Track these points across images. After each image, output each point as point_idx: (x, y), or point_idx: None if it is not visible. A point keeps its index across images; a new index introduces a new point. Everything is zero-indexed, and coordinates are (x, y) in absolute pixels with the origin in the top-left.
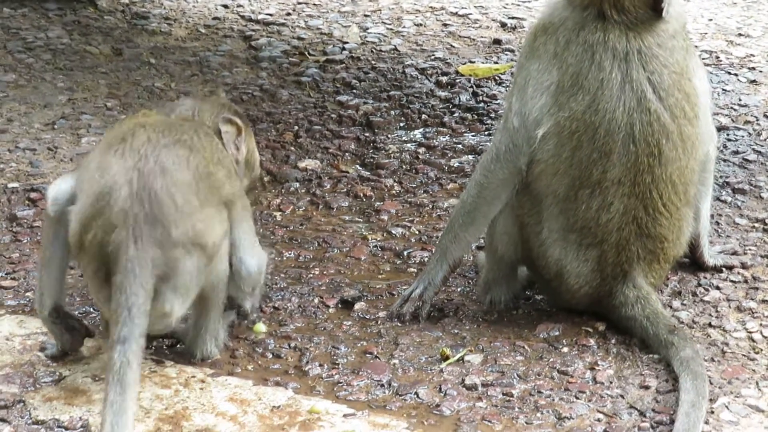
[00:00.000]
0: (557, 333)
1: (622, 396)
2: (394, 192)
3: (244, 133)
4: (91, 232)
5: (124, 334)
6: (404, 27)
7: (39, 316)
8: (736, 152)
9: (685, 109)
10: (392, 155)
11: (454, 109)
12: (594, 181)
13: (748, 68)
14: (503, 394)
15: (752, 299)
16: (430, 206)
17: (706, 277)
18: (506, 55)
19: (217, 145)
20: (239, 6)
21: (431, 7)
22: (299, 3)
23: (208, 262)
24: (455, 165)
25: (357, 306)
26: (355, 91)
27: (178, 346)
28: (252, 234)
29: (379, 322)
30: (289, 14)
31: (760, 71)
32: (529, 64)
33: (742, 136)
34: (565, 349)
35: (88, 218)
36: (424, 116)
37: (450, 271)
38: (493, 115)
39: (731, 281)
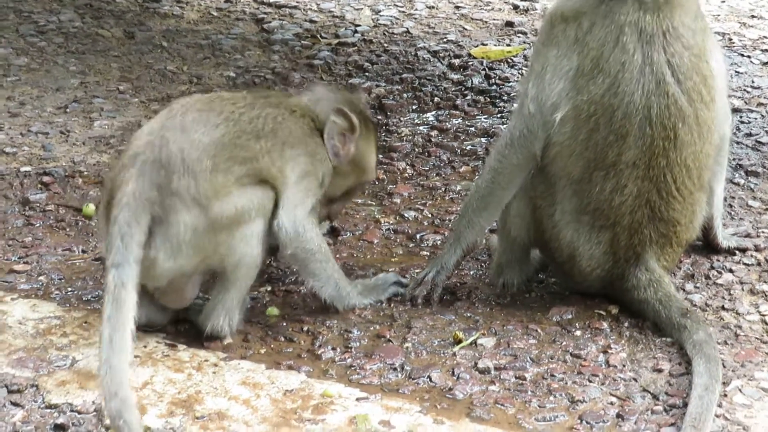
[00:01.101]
0: (570, 316)
1: (635, 379)
2: (406, 175)
3: (357, 132)
4: (113, 170)
5: (118, 260)
6: (416, 9)
7: None
8: (750, 134)
9: (702, 92)
10: (405, 138)
11: (466, 92)
12: (609, 163)
13: (761, 50)
14: (516, 378)
15: (765, 282)
16: (443, 189)
17: (719, 260)
18: (519, 37)
19: (282, 127)
20: None
21: None
22: None
23: (210, 227)
24: (468, 148)
25: None
26: (367, 74)
27: (193, 328)
28: (297, 200)
29: (391, 306)
30: None
31: None
32: (547, 50)
33: (755, 119)
34: (578, 333)
35: (116, 160)
36: (436, 99)
37: (463, 255)
38: (505, 97)
39: (744, 264)
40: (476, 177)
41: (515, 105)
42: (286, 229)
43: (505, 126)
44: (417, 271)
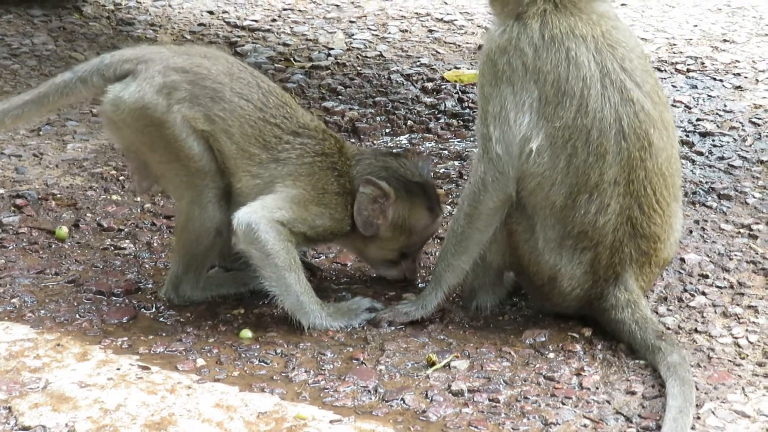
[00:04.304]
0: (543, 339)
1: (608, 401)
2: None
3: (391, 198)
4: None
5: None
6: (390, 33)
7: None
8: (722, 158)
9: (659, 94)
10: None
11: (439, 115)
12: (592, 185)
13: (733, 74)
14: (489, 400)
15: (738, 305)
16: None
17: (691, 283)
18: None
19: (305, 167)
20: (225, 12)
21: (417, 13)
22: (285, 9)
23: (160, 125)
24: (441, 171)
25: None
26: (340, 97)
27: (166, 351)
28: (269, 204)
29: (365, 328)
30: (274, 20)
31: (745, 77)
32: (500, 90)
33: (728, 142)
34: (552, 355)
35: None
36: (409, 122)
37: (444, 297)
38: None
39: (717, 287)
40: (450, 221)
41: (477, 149)
42: (239, 220)
43: (470, 173)
44: (391, 293)
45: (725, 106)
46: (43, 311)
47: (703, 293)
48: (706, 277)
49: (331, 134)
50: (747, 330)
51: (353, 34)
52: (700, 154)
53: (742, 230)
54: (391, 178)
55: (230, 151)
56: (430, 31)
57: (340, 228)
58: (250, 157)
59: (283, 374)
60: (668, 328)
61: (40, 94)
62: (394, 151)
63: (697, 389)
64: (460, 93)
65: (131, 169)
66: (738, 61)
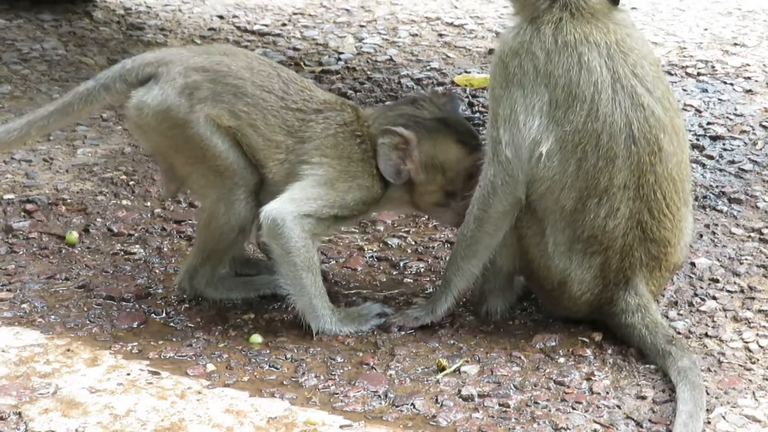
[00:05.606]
0: (554, 343)
1: (618, 406)
2: None
3: (413, 140)
4: None
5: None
6: (400, 37)
7: None
8: (732, 162)
9: (670, 100)
10: None
11: None
12: (602, 189)
13: (744, 78)
14: (500, 405)
15: (748, 309)
16: (426, 216)
17: (702, 287)
18: None
19: (331, 134)
20: (235, 17)
21: (427, 17)
22: (295, 14)
23: (183, 125)
24: None
25: None
26: (351, 101)
27: (176, 356)
28: (297, 197)
29: (375, 333)
30: (284, 25)
31: (756, 81)
32: (510, 92)
33: (738, 146)
34: (562, 360)
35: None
36: None
37: (455, 302)
38: None
39: (728, 291)
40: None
41: (486, 153)
42: (266, 213)
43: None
44: (402, 298)
45: (736, 109)
46: (53, 316)
47: (714, 297)
48: (717, 281)
49: (349, 104)
50: (758, 334)
51: (363, 39)
52: (711, 157)
53: (752, 234)
54: (409, 122)
55: (258, 144)
56: (441, 35)
57: (371, 194)
58: (278, 146)
59: (293, 379)
60: (678, 333)
61: (65, 104)
62: (410, 96)
63: (708, 394)
64: (470, 97)
65: (160, 172)
66: (749, 65)
